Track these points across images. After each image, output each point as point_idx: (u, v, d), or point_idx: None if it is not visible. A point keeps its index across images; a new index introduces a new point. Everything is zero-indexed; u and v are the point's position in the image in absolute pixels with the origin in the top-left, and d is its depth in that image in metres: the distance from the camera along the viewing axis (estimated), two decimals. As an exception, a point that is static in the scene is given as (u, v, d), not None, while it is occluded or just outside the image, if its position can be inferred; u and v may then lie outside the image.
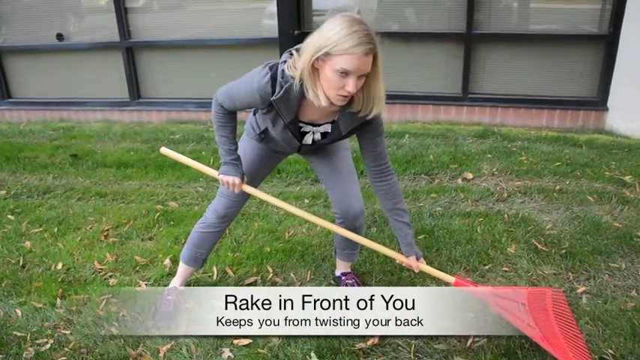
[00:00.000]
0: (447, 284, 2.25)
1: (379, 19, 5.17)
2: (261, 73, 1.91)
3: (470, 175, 3.84)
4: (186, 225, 3.26)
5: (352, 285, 2.58)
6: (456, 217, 3.27)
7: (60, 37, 5.68)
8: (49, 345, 2.29)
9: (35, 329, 2.39)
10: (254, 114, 2.23)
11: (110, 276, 2.80)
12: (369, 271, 2.73)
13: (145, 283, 2.72)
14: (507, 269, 2.72)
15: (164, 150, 2.45)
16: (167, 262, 2.86)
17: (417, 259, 2.18)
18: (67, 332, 2.37)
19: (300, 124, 2.04)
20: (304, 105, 1.96)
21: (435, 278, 2.67)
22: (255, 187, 2.30)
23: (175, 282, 2.54)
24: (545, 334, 2.07)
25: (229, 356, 2.20)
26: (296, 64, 1.85)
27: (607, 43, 4.66)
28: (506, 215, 3.25)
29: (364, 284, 2.62)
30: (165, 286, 2.63)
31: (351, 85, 1.75)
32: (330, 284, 2.65)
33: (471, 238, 3.00)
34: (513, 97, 5.01)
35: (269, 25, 5.28)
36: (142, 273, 2.81)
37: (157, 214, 3.42)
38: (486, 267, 2.74)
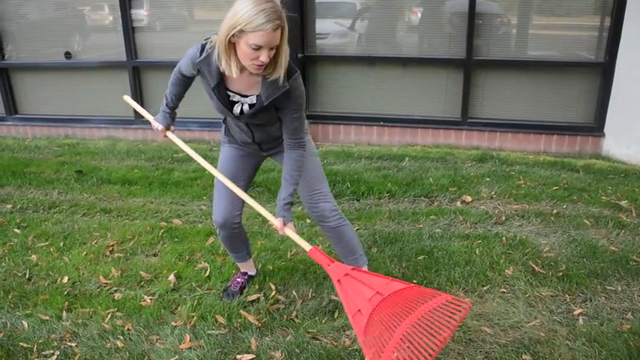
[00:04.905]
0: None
1: (381, 44, 5.29)
2: (197, 44, 2.22)
3: (469, 198, 3.91)
4: (190, 242, 3.32)
5: None
6: (455, 238, 3.32)
7: (68, 55, 5.78)
8: (54, 357, 2.33)
9: (41, 341, 2.44)
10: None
11: (115, 290, 2.85)
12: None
13: (150, 297, 2.76)
14: (505, 290, 2.77)
15: (126, 97, 2.87)
16: (172, 277, 2.91)
17: (285, 223, 2.27)
18: (73, 344, 2.42)
19: (229, 93, 2.25)
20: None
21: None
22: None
23: (244, 269, 2.88)
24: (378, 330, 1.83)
25: (232, 371, 2.24)
26: None
27: (603, 70, 4.77)
28: (504, 238, 3.30)
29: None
30: (170, 301, 2.70)
31: (264, 57, 1.98)
32: (331, 301, 2.70)
33: (469, 260, 3.06)
34: (512, 122, 5.10)
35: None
36: (147, 288, 2.86)
37: (162, 230, 3.48)
38: (485, 288, 2.79)
